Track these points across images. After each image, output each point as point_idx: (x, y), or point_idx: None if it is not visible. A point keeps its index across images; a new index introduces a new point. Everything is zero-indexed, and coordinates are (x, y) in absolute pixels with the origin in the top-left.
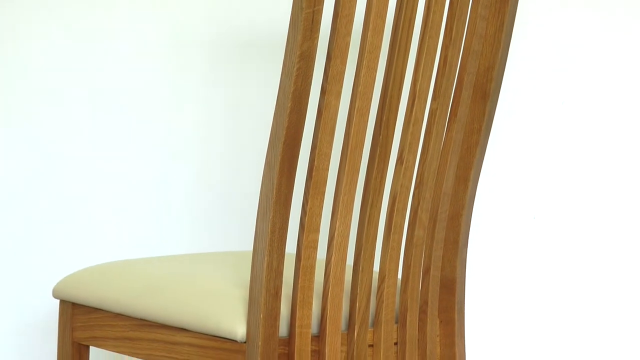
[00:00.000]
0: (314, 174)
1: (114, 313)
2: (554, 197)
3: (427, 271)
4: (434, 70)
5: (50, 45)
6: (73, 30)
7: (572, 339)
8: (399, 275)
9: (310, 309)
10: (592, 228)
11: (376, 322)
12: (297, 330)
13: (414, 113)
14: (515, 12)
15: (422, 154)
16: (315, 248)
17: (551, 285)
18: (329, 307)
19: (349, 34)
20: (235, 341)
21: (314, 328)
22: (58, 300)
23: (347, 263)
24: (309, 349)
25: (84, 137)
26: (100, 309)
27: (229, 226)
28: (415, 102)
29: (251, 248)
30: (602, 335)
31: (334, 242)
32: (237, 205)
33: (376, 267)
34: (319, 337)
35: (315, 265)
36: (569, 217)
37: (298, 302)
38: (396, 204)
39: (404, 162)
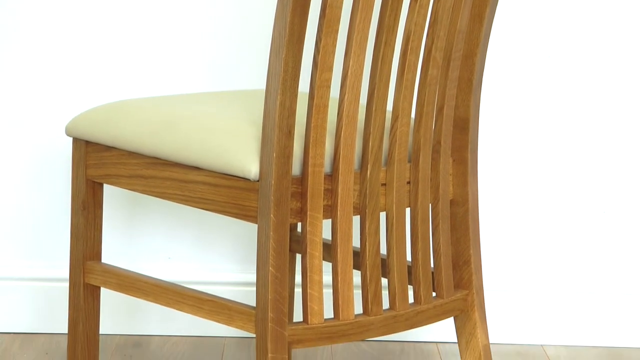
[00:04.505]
0: (327, 11)
1: (127, 151)
2: (568, 35)
3: (440, 110)
4: None
5: None
6: None
7: (583, 173)
8: (412, 115)
9: (324, 147)
10: (605, 65)
11: (389, 161)
12: (310, 169)
13: None
14: None
15: None
16: (329, 87)
17: (565, 123)
18: (341, 146)
19: None
20: (249, 179)
21: (326, 167)
22: (71, 138)
23: (360, 102)
24: (322, 188)
25: None
26: (113, 147)
27: (241, 65)
28: None
29: (264, 87)
30: (609, 169)
31: (347, 81)
32: (251, 45)
33: (389, 106)
34: (331, 176)
35: (328, 104)
36: (583, 54)
37: (311, 141)
38: (410, 42)
39: (419, 0)
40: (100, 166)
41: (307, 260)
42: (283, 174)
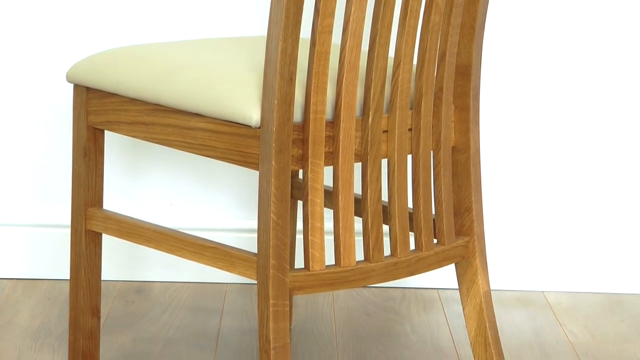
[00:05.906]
0: None
1: (128, 98)
2: None
3: (442, 57)
4: None
5: None
6: None
7: (585, 120)
8: (414, 61)
9: (325, 94)
10: (612, 17)
11: (391, 108)
12: (311, 115)
13: None
14: None
15: None
16: (330, 33)
17: (567, 70)
18: (343, 93)
19: None
20: (250, 126)
21: (328, 114)
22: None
23: (362, 49)
24: (323, 135)
25: None
26: (114, 94)
27: (243, 11)
28: None
29: (265, 34)
30: (611, 116)
31: (349, 27)
32: None
33: (391, 53)
34: (333, 123)
35: (330, 50)
36: (587, 8)
37: (312, 87)
38: None
39: None
40: (101, 113)
41: (309, 207)
42: (284, 121)
